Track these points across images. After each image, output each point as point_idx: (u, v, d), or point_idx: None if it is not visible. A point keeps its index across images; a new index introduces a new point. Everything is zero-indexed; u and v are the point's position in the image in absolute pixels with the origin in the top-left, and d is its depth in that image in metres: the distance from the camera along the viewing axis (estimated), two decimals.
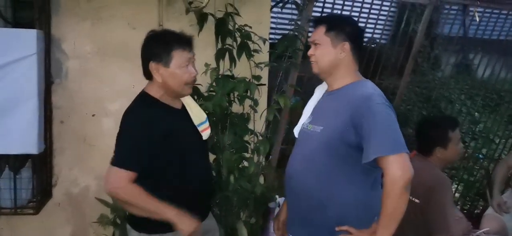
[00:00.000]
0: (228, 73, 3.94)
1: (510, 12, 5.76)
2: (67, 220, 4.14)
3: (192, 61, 2.68)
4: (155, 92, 2.65)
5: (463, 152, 3.74)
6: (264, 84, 4.11)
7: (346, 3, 4.95)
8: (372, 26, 5.26)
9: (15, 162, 3.72)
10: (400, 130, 2.36)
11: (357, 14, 5.05)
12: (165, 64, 2.59)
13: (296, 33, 4.15)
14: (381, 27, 5.42)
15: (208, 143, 3.77)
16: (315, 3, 4.50)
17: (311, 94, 2.90)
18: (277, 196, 4.04)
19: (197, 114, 2.84)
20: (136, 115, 2.57)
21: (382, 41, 5.66)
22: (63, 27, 3.92)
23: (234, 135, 3.87)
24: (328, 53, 2.58)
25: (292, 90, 4.43)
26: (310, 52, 2.65)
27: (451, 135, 3.41)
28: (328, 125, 2.51)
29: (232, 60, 3.91)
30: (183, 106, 2.80)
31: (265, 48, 4.11)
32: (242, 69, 3.94)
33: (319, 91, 2.81)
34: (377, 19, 5.21)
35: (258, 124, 4.06)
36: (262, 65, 3.97)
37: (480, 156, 6.44)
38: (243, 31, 3.92)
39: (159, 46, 2.61)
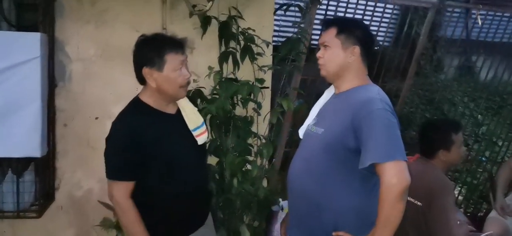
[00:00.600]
0: (232, 76, 3.95)
1: None
2: (69, 223, 4.14)
3: (185, 63, 2.66)
4: (148, 98, 2.64)
5: (466, 155, 3.73)
6: (268, 87, 4.11)
7: (350, 6, 4.95)
8: (375, 28, 5.25)
9: (18, 165, 3.72)
10: (400, 137, 2.34)
11: (360, 17, 5.04)
12: (158, 69, 2.56)
13: (299, 36, 4.15)
14: (384, 29, 5.41)
15: (210, 147, 3.80)
16: (318, 6, 4.48)
17: (314, 96, 2.90)
18: (280, 199, 4.03)
19: (193, 119, 2.80)
20: (124, 123, 2.56)
21: (385, 44, 5.65)
22: (67, 30, 3.92)
23: (237, 138, 3.86)
24: (337, 55, 2.55)
25: (295, 93, 4.42)
26: (318, 54, 2.62)
27: (454, 138, 3.41)
28: (329, 128, 2.49)
29: (236, 63, 3.91)
30: (178, 111, 2.78)
31: (269, 51, 4.11)
32: (246, 72, 3.94)
33: (328, 93, 2.79)
34: (380, 21, 5.20)
35: (262, 127, 4.06)
36: (266, 68, 3.97)
37: (483, 158, 6.43)
38: (246, 34, 3.92)
39: (151, 50, 2.58)
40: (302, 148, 2.69)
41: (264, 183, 4.14)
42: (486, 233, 4.03)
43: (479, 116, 6.61)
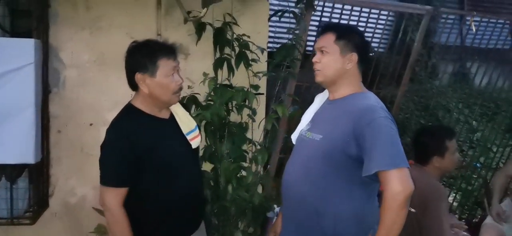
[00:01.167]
0: (226, 82, 3.94)
1: (506, 22, 5.78)
2: (63, 230, 4.12)
3: (177, 69, 2.66)
4: (141, 103, 2.64)
5: (460, 161, 3.74)
6: (262, 94, 4.10)
7: (344, 12, 4.95)
8: (370, 35, 5.26)
9: (11, 171, 3.70)
10: (401, 144, 2.36)
11: (355, 23, 5.05)
12: (151, 74, 2.56)
13: (294, 43, 4.15)
14: (379, 36, 5.43)
15: (204, 153, 3.79)
16: (313, 12, 4.49)
17: (309, 103, 2.90)
18: (275, 206, 4.03)
19: (186, 122, 2.80)
20: (119, 129, 2.56)
21: (380, 50, 5.66)
22: (61, 36, 3.92)
23: (232, 144, 3.86)
24: (335, 61, 2.55)
25: (290, 99, 4.42)
26: (315, 59, 2.61)
27: (448, 144, 3.41)
28: (328, 134, 2.49)
29: (230, 70, 3.91)
30: (172, 115, 2.77)
31: (263, 57, 4.10)
32: (240, 78, 3.94)
33: (320, 99, 2.79)
34: (375, 28, 5.21)
35: (256, 133, 4.05)
36: (260, 75, 3.97)
37: (478, 165, 6.44)
38: (241, 40, 3.92)
39: (144, 56, 2.58)
40: (297, 154, 2.68)
41: (259, 189, 4.13)
42: None
43: (474, 122, 6.63)
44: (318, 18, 4.95)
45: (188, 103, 3.78)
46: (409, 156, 3.39)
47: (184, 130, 2.77)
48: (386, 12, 5.25)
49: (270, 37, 4.53)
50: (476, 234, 4.35)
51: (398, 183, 2.24)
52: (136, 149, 2.49)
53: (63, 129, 4.00)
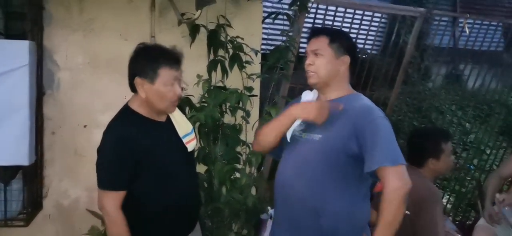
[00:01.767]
0: (220, 84, 3.95)
1: (499, 24, 5.81)
2: (57, 232, 4.11)
3: (179, 79, 2.62)
4: (138, 106, 2.62)
5: (454, 164, 3.75)
6: (256, 95, 4.11)
7: (338, 14, 4.97)
8: (363, 37, 5.29)
9: (5, 173, 3.70)
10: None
11: (348, 25, 5.07)
12: (150, 81, 2.54)
13: (287, 45, 4.16)
14: (372, 38, 5.45)
15: (198, 155, 3.80)
16: (306, 15, 4.51)
17: None
18: (269, 208, 4.03)
19: (183, 125, 2.79)
20: (116, 133, 2.54)
21: (373, 52, 5.69)
22: (55, 38, 3.92)
23: (226, 146, 3.86)
24: (330, 64, 2.60)
25: (284, 101, 4.43)
26: (309, 61, 2.63)
27: (444, 146, 3.42)
28: (327, 134, 2.53)
29: (224, 71, 3.92)
30: (168, 118, 2.76)
31: (257, 59, 4.12)
32: (234, 80, 3.94)
33: (308, 99, 2.79)
34: (368, 30, 5.23)
35: (250, 135, 4.06)
36: (254, 77, 3.98)
37: (471, 166, 6.47)
38: (235, 42, 3.93)
39: (146, 62, 2.55)
40: (292, 154, 2.68)
41: (253, 191, 4.14)
42: None
43: (467, 124, 6.66)
44: (311, 21, 4.98)
45: (182, 105, 3.78)
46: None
47: (180, 133, 2.75)
48: (379, 15, 5.28)
49: (263, 39, 4.54)
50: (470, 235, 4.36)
51: (398, 178, 2.36)
52: (134, 152, 2.48)
53: (57, 131, 4.00)
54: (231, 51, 3.94)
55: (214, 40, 3.93)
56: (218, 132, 3.86)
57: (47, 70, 3.93)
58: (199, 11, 3.75)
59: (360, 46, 5.40)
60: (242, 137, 4.00)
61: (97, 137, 3.99)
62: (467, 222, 6.20)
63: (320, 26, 5.04)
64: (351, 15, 5.08)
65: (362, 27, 5.17)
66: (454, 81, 7.33)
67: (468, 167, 6.48)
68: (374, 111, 2.52)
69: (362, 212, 2.58)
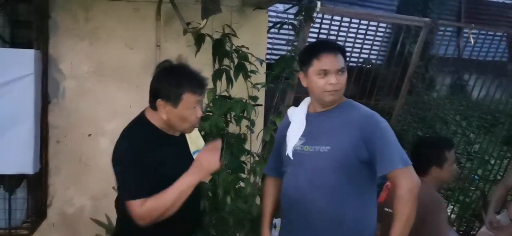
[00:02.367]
0: (225, 93, 3.94)
1: (504, 34, 5.81)
2: None
3: (201, 102, 2.56)
4: (156, 120, 2.55)
5: (457, 172, 3.74)
6: (261, 105, 4.11)
7: (343, 24, 4.97)
8: (368, 47, 5.28)
9: (10, 182, 3.70)
10: None
11: (353, 35, 5.07)
12: (173, 105, 2.46)
13: (293, 54, 4.16)
14: (377, 48, 5.45)
15: None
16: (312, 24, 4.51)
17: None
18: (273, 218, 4.02)
19: (195, 142, 2.75)
20: (135, 144, 2.46)
21: (378, 62, 5.69)
22: (61, 47, 3.93)
23: (231, 155, 3.85)
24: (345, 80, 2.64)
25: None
26: (334, 81, 2.56)
27: (447, 155, 3.41)
28: (336, 144, 2.53)
29: (229, 81, 3.92)
30: (182, 133, 2.74)
31: (262, 69, 4.12)
32: (239, 89, 3.95)
33: (298, 113, 2.78)
34: (373, 40, 5.23)
35: (255, 144, 4.06)
36: (259, 86, 3.98)
37: (476, 177, 6.45)
38: (240, 52, 3.93)
39: (170, 86, 2.47)
40: (299, 168, 2.65)
41: (257, 200, 4.12)
42: None
43: (472, 134, 6.64)
44: (316, 30, 4.98)
45: None
46: None
47: (192, 149, 2.72)
48: (384, 24, 5.27)
49: (268, 48, 4.54)
50: None
51: (411, 178, 2.47)
52: (148, 164, 2.44)
53: (62, 140, 4.01)
54: (236, 61, 3.94)
55: (219, 50, 3.94)
56: (223, 142, 3.85)
57: (53, 79, 3.94)
58: (205, 20, 3.75)
59: (365, 56, 5.40)
60: (247, 146, 3.99)
61: (102, 145, 4.03)
62: (471, 232, 6.17)
63: (325, 38, 5.04)
64: (356, 25, 5.07)
65: (368, 36, 5.16)
66: (459, 91, 7.32)
67: (473, 177, 6.45)
68: (376, 116, 2.57)
69: (374, 215, 2.65)
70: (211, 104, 3.81)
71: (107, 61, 4.02)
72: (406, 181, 2.45)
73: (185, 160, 2.65)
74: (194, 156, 2.69)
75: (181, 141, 2.68)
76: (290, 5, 4.43)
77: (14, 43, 3.74)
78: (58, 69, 3.95)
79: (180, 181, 2.44)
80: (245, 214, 3.79)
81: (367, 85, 5.25)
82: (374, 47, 5.34)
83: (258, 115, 4.02)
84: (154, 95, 2.50)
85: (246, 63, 3.93)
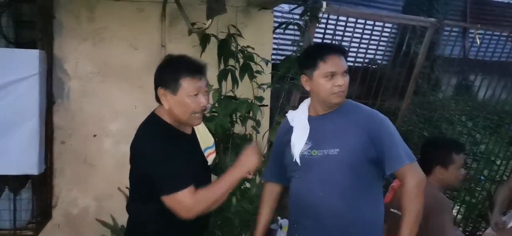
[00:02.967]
0: (231, 94, 3.93)
1: (510, 34, 5.78)
2: None
3: (204, 90, 2.51)
4: (166, 117, 2.51)
5: (464, 175, 3.71)
6: (266, 105, 4.10)
7: (349, 24, 4.96)
8: (374, 47, 5.27)
9: (15, 183, 3.70)
10: None
11: (359, 35, 5.05)
12: (172, 92, 2.45)
13: (298, 55, 4.14)
14: (382, 48, 5.43)
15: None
16: (317, 25, 4.49)
17: None
18: (279, 218, 4.01)
19: (205, 139, 2.73)
20: (158, 137, 2.44)
21: (384, 63, 5.67)
22: (65, 47, 3.93)
23: (236, 156, 3.82)
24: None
25: None
26: (341, 82, 2.56)
27: (455, 157, 3.37)
28: (345, 146, 2.53)
29: (235, 81, 3.91)
30: (193, 131, 2.68)
31: (268, 69, 4.11)
32: (245, 90, 3.93)
33: (299, 117, 2.75)
34: (379, 41, 5.21)
35: (260, 145, 4.03)
36: (265, 86, 3.97)
37: (482, 177, 6.42)
38: (245, 52, 3.92)
39: (168, 72, 2.48)
40: (309, 173, 2.62)
41: None
42: None
43: (477, 135, 6.61)
44: (322, 31, 4.96)
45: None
46: None
47: (202, 146, 2.71)
48: (390, 25, 5.26)
49: (274, 49, 4.53)
50: None
51: (418, 173, 2.52)
52: (176, 156, 2.43)
53: (67, 140, 4.00)
54: (241, 61, 3.93)
55: (225, 50, 3.93)
56: (229, 142, 3.84)
57: (57, 79, 3.94)
58: (210, 20, 3.73)
59: (371, 56, 5.38)
60: None
61: (107, 146, 4.03)
62: (478, 233, 6.16)
63: (329, 39, 5.02)
64: (362, 25, 5.06)
65: (373, 37, 5.15)
66: (465, 91, 7.30)
67: (479, 177, 6.43)
68: (379, 114, 2.62)
69: (382, 212, 2.67)
70: (216, 105, 3.80)
71: (112, 62, 4.01)
72: (413, 176, 2.49)
73: (197, 158, 2.64)
74: (205, 154, 2.69)
75: (193, 139, 2.66)
76: (296, 6, 4.42)
77: (19, 44, 3.74)
78: (63, 70, 3.95)
79: (228, 175, 2.48)
80: (251, 215, 3.78)
81: (372, 86, 5.23)
82: (379, 48, 5.32)
83: (264, 116, 4.02)
84: (156, 84, 2.50)
85: (252, 64, 3.92)
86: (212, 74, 3.93)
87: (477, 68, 6.40)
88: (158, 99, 2.52)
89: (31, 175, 3.65)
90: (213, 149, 2.78)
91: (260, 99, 3.91)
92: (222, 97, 3.85)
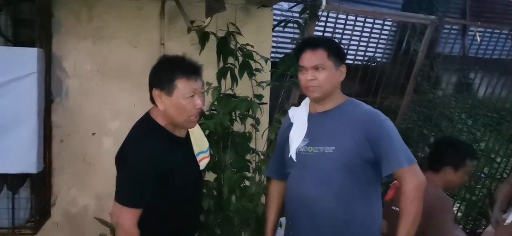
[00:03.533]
0: (230, 92, 3.92)
1: (510, 32, 5.77)
2: None
3: (200, 92, 2.49)
4: (161, 119, 2.49)
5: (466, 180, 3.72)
6: (266, 103, 4.09)
7: (348, 22, 4.95)
8: (374, 45, 5.26)
9: (13, 181, 3.68)
10: None
11: (359, 33, 5.04)
12: (167, 93, 2.42)
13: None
14: (382, 46, 5.42)
15: (209, 162, 3.77)
16: (317, 22, 4.48)
17: None
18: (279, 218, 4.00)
19: (199, 143, 2.71)
20: (143, 150, 2.41)
21: (384, 60, 5.66)
22: (64, 45, 3.92)
23: (236, 154, 3.83)
24: (332, 76, 2.57)
25: None
26: (310, 77, 2.56)
27: (467, 163, 3.37)
28: (341, 145, 2.52)
29: (234, 79, 3.89)
30: (187, 134, 2.66)
31: (267, 67, 4.10)
32: (244, 88, 3.92)
33: (299, 114, 2.75)
34: (379, 38, 5.20)
35: (260, 143, 4.04)
36: (264, 84, 3.96)
37: (482, 175, 6.43)
38: (244, 50, 3.91)
39: (163, 73, 2.45)
40: (304, 170, 2.62)
41: (263, 199, 4.10)
42: None
43: (477, 133, 6.61)
44: (322, 28, 4.95)
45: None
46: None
47: (196, 150, 2.68)
48: (389, 22, 5.24)
49: (273, 47, 4.52)
50: None
51: (417, 176, 2.48)
52: (156, 172, 2.40)
53: (66, 139, 3.99)
54: (240, 59, 3.92)
55: (224, 48, 3.91)
56: (228, 140, 3.83)
57: (56, 78, 3.92)
58: (209, 18, 3.73)
59: (370, 54, 5.37)
60: (252, 145, 3.97)
61: (106, 145, 4.02)
62: (478, 231, 6.17)
63: (316, 36, 4.99)
64: (362, 22, 5.05)
65: (373, 34, 5.14)
66: (464, 89, 7.29)
67: (479, 175, 6.43)
68: (379, 114, 2.58)
69: (379, 215, 2.66)
70: (215, 103, 3.79)
71: (111, 60, 4.00)
72: (412, 179, 2.45)
73: (190, 164, 2.62)
74: (198, 158, 2.66)
75: (187, 143, 2.64)
76: (295, 3, 4.40)
77: (17, 42, 3.71)
78: (62, 68, 3.94)
79: None
80: (250, 213, 3.78)
81: (372, 84, 5.22)
82: (379, 45, 5.31)
83: (263, 114, 4.00)
84: (150, 85, 2.48)
85: (251, 61, 3.91)
86: (211, 72, 3.93)
87: (477, 66, 6.40)
88: (152, 100, 2.49)
89: (29, 174, 3.63)
90: (207, 153, 2.76)
91: (260, 97, 3.90)
92: (221, 95, 3.84)
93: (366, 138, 2.48)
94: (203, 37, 3.91)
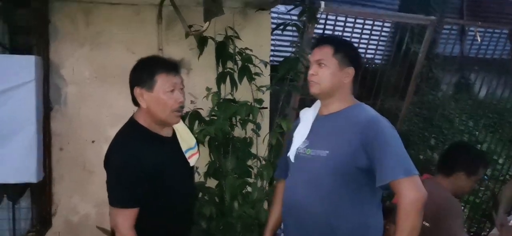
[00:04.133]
0: (230, 97, 3.90)
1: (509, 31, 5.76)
2: None
3: (179, 87, 2.54)
4: (144, 120, 2.54)
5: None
6: (266, 108, 4.07)
7: (348, 24, 4.93)
8: (374, 47, 5.23)
9: (13, 191, 3.65)
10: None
11: (358, 35, 5.02)
12: (148, 89, 2.47)
13: (297, 56, 4.12)
14: (382, 48, 5.39)
15: (209, 169, 3.76)
16: (316, 25, 4.46)
17: None
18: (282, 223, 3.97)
19: (186, 140, 2.72)
20: (126, 150, 2.47)
21: (383, 62, 5.64)
22: (62, 52, 3.90)
23: (237, 159, 3.81)
24: (334, 75, 2.53)
25: (294, 113, 4.38)
26: (312, 72, 2.56)
27: (480, 171, 3.36)
28: (335, 149, 2.46)
29: (233, 84, 3.88)
30: (174, 133, 2.68)
31: (266, 71, 4.08)
32: (244, 92, 3.90)
33: (307, 116, 2.73)
34: (378, 40, 5.18)
35: (261, 148, 4.01)
36: (264, 89, 3.94)
37: (485, 177, 6.39)
38: (243, 54, 3.89)
39: (143, 70, 2.51)
40: (299, 172, 2.61)
41: (265, 205, 4.07)
42: None
43: (479, 134, 6.59)
44: (321, 31, 4.93)
45: (192, 118, 3.74)
46: (423, 170, 3.35)
47: (184, 147, 2.69)
48: (389, 24, 5.22)
49: (272, 50, 4.50)
50: None
51: (414, 189, 2.31)
52: (144, 167, 2.42)
53: (65, 147, 3.96)
54: (240, 63, 3.90)
55: (223, 52, 3.90)
56: (229, 146, 3.81)
57: (54, 85, 3.90)
58: (207, 23, 3.70)
59: (370, 56, 5.35)
60: (253, 150, 3.95)
61: (106, 151, 3.99)
62: (482, 233, 6.14)
63: (326, 35, 4.99)
64: (361, 24, 5.03)
65: (373, 36, 5.12)
66: (465, 90, 7.27)
67: (482, 177, 6.40)
68: (381, 121, 2.46)
69: (375, 224, 2.53)
70: (215, 108, 3.77)
71: (109, 66, 3.97)
72: (408, 193, 2.30)
73: (179, 163, 2.65)
74: (187, 155, 2.68)
75: (174, 142, 2.66)
76: (293, 6, 4.38)
77: (14, 49, 3.69)
78: (59, 75, 3.91)
79: None
80: (253, 219, 3.75)
81: (373, 86, 5.20)
82: (379, 47, 5.29)
83: (264, 118, 3.99)
84: (132, 85, 2.53)
85: (250, 66, 3.89)
86: (210, 77, 3.92)
87: (476, 66, 6.38)
88: (135, 102, 2.52)
89: (29, 183, 3.60)
90: (196, 149, 2.78)
91: (260, 101, 3.88)
92: (221, 100, 3.81)
93: (361, 144, 2.39)
94: (202, 42, 3.90)
